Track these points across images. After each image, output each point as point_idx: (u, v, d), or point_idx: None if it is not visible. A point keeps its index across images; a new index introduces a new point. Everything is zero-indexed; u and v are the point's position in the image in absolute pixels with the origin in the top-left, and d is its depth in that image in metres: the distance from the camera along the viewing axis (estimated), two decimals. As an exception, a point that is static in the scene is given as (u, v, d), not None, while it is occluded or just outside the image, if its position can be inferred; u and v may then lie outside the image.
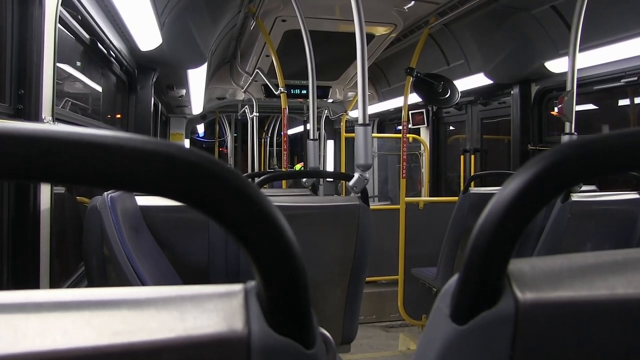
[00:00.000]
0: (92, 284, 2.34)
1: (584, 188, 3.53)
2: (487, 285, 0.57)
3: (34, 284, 2.02)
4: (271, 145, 15.01)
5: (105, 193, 2.28)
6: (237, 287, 0.55)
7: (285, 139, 5.74)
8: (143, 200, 2.76)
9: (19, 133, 0.43)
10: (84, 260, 2.41)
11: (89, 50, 3.22)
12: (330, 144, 10.48)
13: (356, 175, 2.89)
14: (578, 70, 3.55)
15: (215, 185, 0.47)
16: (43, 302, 0.51)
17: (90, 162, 0.44)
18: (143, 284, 2.11)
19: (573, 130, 3.50)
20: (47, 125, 0.46)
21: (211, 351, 0.49)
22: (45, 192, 2.08)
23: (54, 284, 2.27)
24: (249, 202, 0.49)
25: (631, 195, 3.50)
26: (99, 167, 0.44)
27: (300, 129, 14.47)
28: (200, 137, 15.79)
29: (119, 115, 4.57)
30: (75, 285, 2.76)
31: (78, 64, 3.33)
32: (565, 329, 0.56)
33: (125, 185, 0.46)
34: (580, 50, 3.52)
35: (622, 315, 0.56)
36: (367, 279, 3.37)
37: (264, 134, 14.56)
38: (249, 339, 0.50)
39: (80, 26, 2.85)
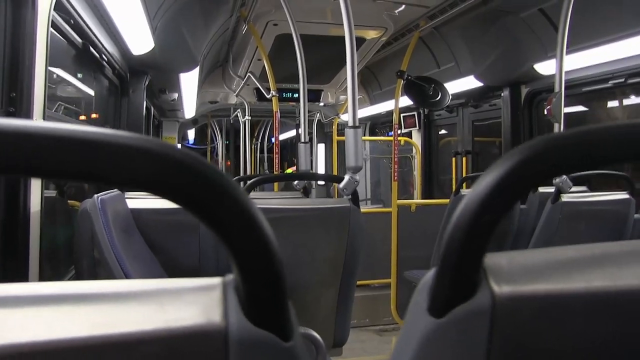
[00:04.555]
0: None
1: (574, 189, 3.54)
2: (463, 278, 0.58)
3: None
4: (261, 152, 14.95)
5: (96, 196, 2.28)
6: (216, 280, 0.56)
7: (277, 142, 5.75)
8: (134, 203, 2.76)
9: (6, 128, 0.44)
10: (74, 263, 2.41)
11: (81, 54, 3.22)
12: (321, 147, 10.48)
13: (346, 177, 2.90)
14: (567, 72, 3.58)
15: (191, 179, 0.49)
16: (23, 296, 0.52)
17: (76, 157, 0.45)
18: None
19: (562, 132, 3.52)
20: (35, 121, 0.48)
21: (189, 343, 0.50)
22: (35, 194, 2.08)
23: None
24: (224, 195, 0.50)
25: (621, 196, 3.52)
26: (85, 162, 0.46)
27: (291, 133, 14.39)
28: (191, 144, 15.74)
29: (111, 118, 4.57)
30: None
31: (70, 67, 3.33)
32: (542, 321, 0.57)
33: (107, 180, 0.48)
34: (568, 53, 3.55)
35: (599, 308, 0.57)
36: (360, 282, 3.38)
37: (253, 139, 14.50)
38: (227, 331, 0.51)
39: (73, 30, 2.86)
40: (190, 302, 0.52)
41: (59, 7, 2.38)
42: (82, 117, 3.97)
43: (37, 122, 0.46)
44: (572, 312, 0.57)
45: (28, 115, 2.00)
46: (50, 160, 0.45)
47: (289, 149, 16.19)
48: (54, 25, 2.32)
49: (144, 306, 0.51)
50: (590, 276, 0.58)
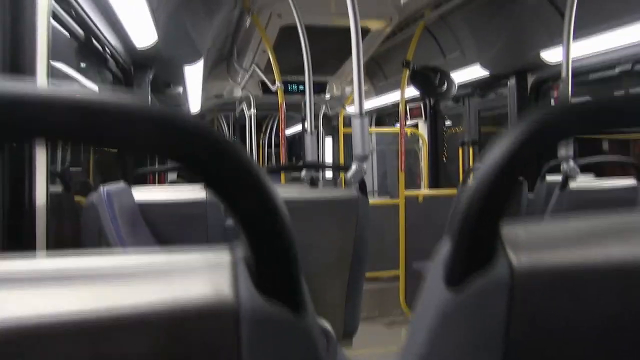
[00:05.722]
0: None
1: (580, 177, 3.53)
2: (480, 246, 0.57)
3: None
4: (269, 147, 14.96)
5: (102, 188, 2.27)
6: (225, 253, 0.55)
7: (282, 134, 5.73)
8: (140, 195, 2.75)
9: (19, 93, 0.43)
10: (82, 257, 2.40)
11: (83, 47, 3.21)
12: (328, 140, 10.45)
13: (354, 166, 2.89)
14: (573, 60, 3.55)
15: (203, 148, 0.47)
16: (25, 270, 0.51)
17: (86, 121, 0.44)
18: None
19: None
20: (39, 86, 0.46)
21: (200, 316, 0.48)
22: (40, 189, 2.07)
23: None
24: (235, 163, 0.48)
25: (628, 182, 3.51)
26: (92, 126, 0.45)
27: (297, 128, 14.38)
28: None
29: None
30: None
31: (73, 61, 3.31)
32: (561, 293, 0.56)
33: (130, 147, 0.47)
34: (575, 39, 3.52)
35: (619, 280, 0.56)
36: (369, 274, 3.37)
37: (262, 135, 14.49)
38: (238, 304, 0.49)
39: (75, 22, 2.84)
40: (199, 277, 0.51)
41: None
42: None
43: (45, 87, 0.45)
44: (592, 283, 0.56)
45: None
46: (67, 123, 0.44)
47: (297, 144, 16.16)
48: (55, 16, 2.30)
49: (152, 280, 0.50)
50: (610, 247, 0.57)
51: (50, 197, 2.17)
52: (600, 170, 4.38)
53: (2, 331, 0.44)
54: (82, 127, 0.44)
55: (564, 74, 3.48)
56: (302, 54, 4.14)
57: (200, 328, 0.49)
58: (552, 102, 3.62)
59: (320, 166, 5.77)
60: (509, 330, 0.56)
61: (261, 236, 0.50)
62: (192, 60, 4.97)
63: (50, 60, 2.14)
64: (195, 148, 0.47)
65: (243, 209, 0.49)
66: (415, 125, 7.69)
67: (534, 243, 0.58)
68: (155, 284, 0.49)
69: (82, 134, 0.45)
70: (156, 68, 4.73)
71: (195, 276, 0.51)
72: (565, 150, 3.37)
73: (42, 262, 0.52)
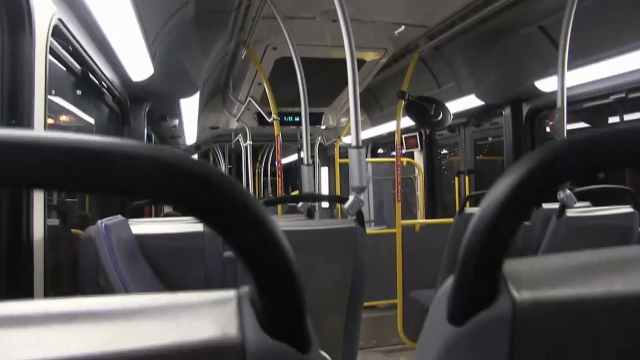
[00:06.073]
0: None
1: (577, 204, 3.53)
2: (482, 285, 0.56)
3: None
4: (265, 176, 14.98)
5: (100, 222, 2.27)
6: (231, 293, 0.54)
7: (279, 165, 5.74)
8: (138, 229, 2.74)
9: (21, 139, 0.42)
10: (79, 291, 2.39)
11: (80, 81, 3.22)
12: (324, 170, 10.46)
13: (351, 197, 2.88)
14: (568, 88, 3.58)
15: (209, 191, 0.47)
16: (33, 313, 0.50)
17: (100, 169, 0.44)
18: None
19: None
20: (52, 132, 0.45)
21: (206, 357, 0.48)
22: (38, 223, 2.06)
23: None
24: (242, 206, 0.48)
25: (625, 210, 3.51)
26: (107, 174, 0.44)
27: (293, 157, 14.43)
28: None
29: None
30: None
31: (70, 95, 3.32)
32: (563, 327, 0.55)
33: (130, 192, 0.45)
34: (569, 69, 3.55)
35: (621, 313, 0.56)
36: (366, 303, 3.35)
37: (257, 164, 14.52)
38: (244, 344, 0.49)
39: (71, 57, 2.85)
40: (205, 316, 0.50)
41: (57, 33, 2.37)
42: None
43: (72, 134, 0.44)
44: (594, 316, 0.56)
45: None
46: (78, 172, 0.43)
47: (293, 173, 16.20)
48: (52, 51, 2.31)
49: (158, 321, 0.49)
50: (611, 281, 0.57)
51: (47, 229, 2.16)
52: (597, 199, 4.38)
53: None
54: (98, 176, 0.43)
55: (559, 103, 3.50)
56: (297, 86, 4.15)
57: None
58: (548, 128, 3.63)
59: (317, 198, 5.75)
60: None
61: (269, 281, 0.49)
62: (188, 92, 4.99)
63: (47, 95, 2.15)
64: (204, 196, 0.46)
65: (253, 256, 0.49)
66: (411, 155, 7.72)
67: (535, 278, 0.57)
68: (162, 325, 0.49)
69: (97, 183, 0.44)
70: (152, 101, 4.75)
71: (202, 316, 0.50)
72: None
73: (48, 304, 0.51)
